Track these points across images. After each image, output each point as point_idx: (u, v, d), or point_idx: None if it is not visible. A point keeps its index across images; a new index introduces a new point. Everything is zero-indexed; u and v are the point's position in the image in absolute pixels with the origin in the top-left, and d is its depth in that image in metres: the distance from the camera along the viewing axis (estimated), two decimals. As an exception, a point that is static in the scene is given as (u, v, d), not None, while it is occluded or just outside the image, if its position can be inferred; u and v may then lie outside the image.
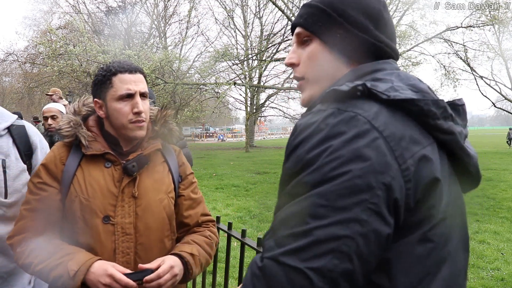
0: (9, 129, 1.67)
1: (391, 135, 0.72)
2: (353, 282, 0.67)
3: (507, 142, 30.19)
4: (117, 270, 1.31)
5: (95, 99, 1.51)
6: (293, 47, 0.97)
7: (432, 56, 19.33)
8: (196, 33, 36.43)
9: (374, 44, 0.88)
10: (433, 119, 0.78)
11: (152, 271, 1.33)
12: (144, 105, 1.48)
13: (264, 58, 24.09)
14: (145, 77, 1.53)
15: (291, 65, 0.96)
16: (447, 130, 0.80)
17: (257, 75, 27.03)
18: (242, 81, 22.78)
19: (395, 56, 0.92)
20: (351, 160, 0.68)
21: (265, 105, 30.66)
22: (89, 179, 1.44)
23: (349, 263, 0.66)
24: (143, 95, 1.48)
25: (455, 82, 19.03)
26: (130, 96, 1.45)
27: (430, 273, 0.75)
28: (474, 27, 17.14)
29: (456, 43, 18.73)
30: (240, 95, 27.80)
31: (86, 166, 1.46)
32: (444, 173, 0.79)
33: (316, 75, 0.92)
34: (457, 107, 0.87)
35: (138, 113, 1.45)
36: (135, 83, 1.46)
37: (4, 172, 1.58)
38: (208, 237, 1.59)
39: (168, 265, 1.37)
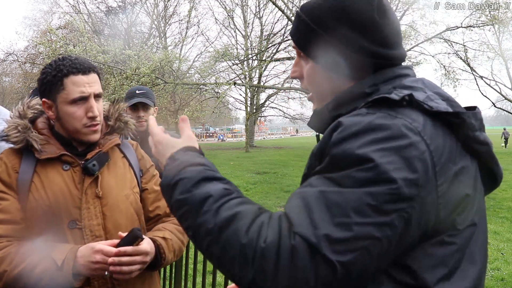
0: None
1: (436, 150, 0.75)
2: (363, 277, 0.70)
3: (504, 141, 30.10)
4: (105, 244, 1.29)
5: (44, 100, 1.41)
6: (296, 59, 0.97)
7: (432, 56, 19.33)
8: (196, 33, 36.50)
9: (370, 61, 0.87)
10: (472, 131, 0.82)
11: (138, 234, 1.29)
12: (98, 107, 1.41)
13: (264, 58, 24.09)
14: (98, 75, 1.43)
15: (296, 78, 0.98)
16: (483, 141, 0.84)
17: (257, 75, 27.02)
18: (242, 81, 22.77)
19: (398, 61, 0.91)
20: (402, 168, 0.71)
21: (265, 105, 30.69)
22: (48, 184, 1.36)
23: (369, 262, 0.69)
24: (97, 96, 1.41)
25: (455, 82, 19.00)
26: (83, 99, 1.37)
27: (455, 272, 0.78)
28: (474, 27, 17.13)
29: (456, 43, 18.68)
30: (240, 95, 27.84)
31: (43, 171, 1.38)
32: (477, 183, 0.85)
33: (319, 94, 0.95)
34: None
35: (92, 118, 1.39)
36: (89, 84, 1.37)
37: None
38: (178, 224, 1.56)
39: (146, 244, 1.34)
